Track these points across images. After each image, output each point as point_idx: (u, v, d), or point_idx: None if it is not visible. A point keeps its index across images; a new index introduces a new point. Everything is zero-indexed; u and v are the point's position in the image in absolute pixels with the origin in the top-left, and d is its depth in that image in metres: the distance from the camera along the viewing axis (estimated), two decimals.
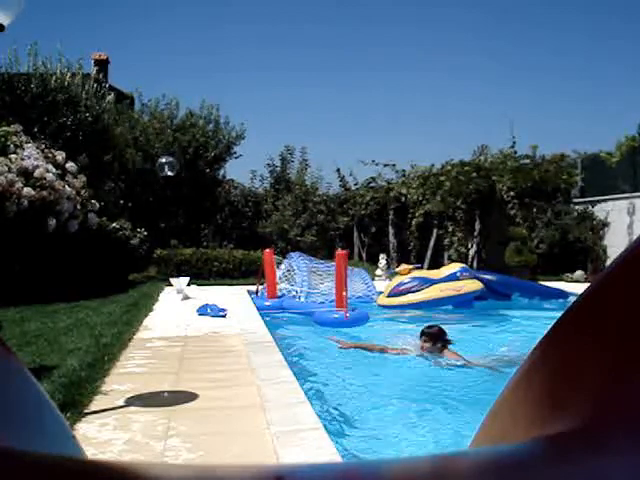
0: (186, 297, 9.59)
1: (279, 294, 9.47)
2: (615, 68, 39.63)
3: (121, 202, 14.29)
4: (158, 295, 10.06)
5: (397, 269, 10.38)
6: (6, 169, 8.47)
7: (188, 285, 10.32)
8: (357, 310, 7.87)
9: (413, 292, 9.30)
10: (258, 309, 8.50)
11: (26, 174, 8.80)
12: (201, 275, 13.18)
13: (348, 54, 40.17)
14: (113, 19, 38.14)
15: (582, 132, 33.16)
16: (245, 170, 25.19)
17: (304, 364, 5.54)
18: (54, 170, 9.34)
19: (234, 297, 9.89)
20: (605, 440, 0.41)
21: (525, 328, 7.34)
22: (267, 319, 7.67)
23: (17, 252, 8.66)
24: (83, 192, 10.22)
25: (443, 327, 5.79)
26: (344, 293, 7.56)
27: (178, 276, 10.74)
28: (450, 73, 39.09)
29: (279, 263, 9.95)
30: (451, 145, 36.16)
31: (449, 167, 15.47)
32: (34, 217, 8.75)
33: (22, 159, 8.93)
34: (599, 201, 14.98)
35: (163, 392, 4.07)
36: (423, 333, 5.59)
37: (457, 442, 3.31)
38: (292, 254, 10.11)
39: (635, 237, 0.49)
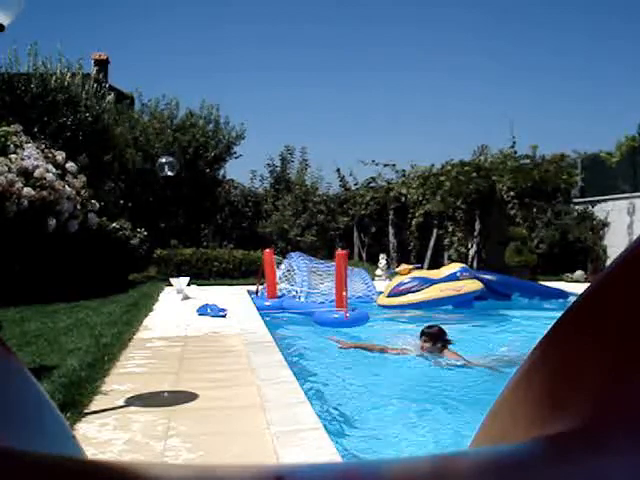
0: (186, 297, 9.59)
1: (279, 294, 9.48)
2: (615, 68, 39.65)
3: (121, 202, 14.29)
4: (158, 295, 10.06)
5: (397, 269, 10.38)
6: (6, 169, 8.47)
7: (188, 285, 10.32)
8: (357, 310, 7.88)
9: (413, 292, 9.30)
10: (258, 309, 8.50)
11: (26, 174, 8.81)
12: (201, 275, 13.18)
13: (348, 54, 40.21)
14: (113, 19, 38.18)
15: (582, 132, 33.19)
16: (245, 170, 25.21)
17: (304, 364, 5.54)
18: (54, 170, 9.34)
19: (234, 297, 9.89)
20: (605, 440, 0.41)
21: (525, 328, 7.34)
22: (267, 319, 7.68)
23: (17, 252, 8.66)
24: (83, 192, 10.23)
25: (443, 327, 5.79)
26: (344, 293, 7.56)
27: (178, 276, 10.74)
28: (450, 73, 39.13)
29: (279, 263, 9.96)
30: (451, 145, 36.19)
31: (449, 167, 15.47)
32: (34, 217, 8.75)
33: (22, 159, 8.94)
34: (599, 201, 14.98)
35: (163, 392, 4.07)
36: (423, 333, 5.59)
37: (457, 442, 3.31)
38: (292, 254, 10.11)
39: (635, 237, 0.49)
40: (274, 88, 39.21)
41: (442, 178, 15.22)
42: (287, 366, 4.73)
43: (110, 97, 13.78)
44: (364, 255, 17.04)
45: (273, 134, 35.20)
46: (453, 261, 12.87)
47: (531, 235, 14.56)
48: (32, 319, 7.02)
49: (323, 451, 2.84)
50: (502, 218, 14.70)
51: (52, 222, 9.01)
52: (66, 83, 12.15)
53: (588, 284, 0.50)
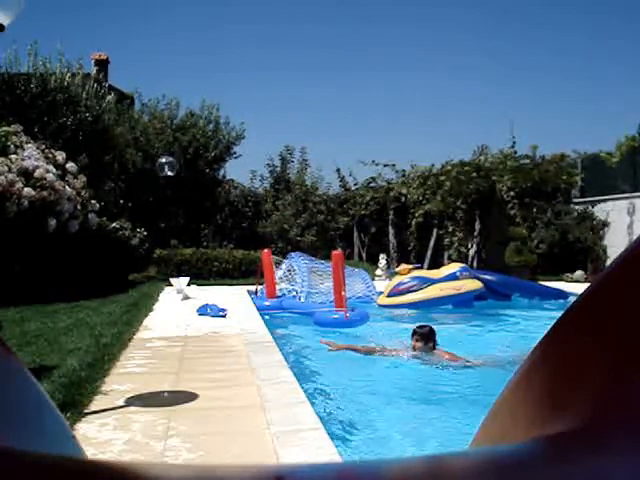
0: (186, 297, 9.59)
1: (279, 294, 9.48)
2: (615, 68, 39.64)
3: (121, 202, 14.29)
4: (158, 295, 10.06)
5: (397, 269, 10.39)
6: (6, 169, 8.47)
7: (188, 285, 10.32)
8: (357, 310, 7.87)
9: (413, 292, 9.30)
10: (258, 309, 8.51)
11: (26, 174, 8.81)
12: (201, 275, 13.18)
13: (348, 54, 40.20)
14: (113, 19, 38.19)
15: (582, 132, 33.19)
16: (245, 170, 25.21)
17: (304, 364, 5.54)
18: (54, 170, 9.35)
19: (234, 297, 9.89)
20: (605, 440, 0.41)
21: (525, 328, 7.34)
22: (267, 318, 7.68)
23: (17, 252, 8.66)
24: (83, 192, 10.23)
25: (434, 327, 5.80)
26: (343, 293, 7.55)
27: (178, 276, 10.74)
28: (450, 73, 39.12)
29: (279, 263, 9.96)
30: (451, 145, 36.22)
31: (449, 167, 15.47)
32: (34, 217, 8.75)
33: (22, 159, 8.94)
34: (599, 201, 14.98)
35: (163, 392, 4.07)
36: (415, 333, 5.60)
37: (454, 441, 3.31)
38: (292, 254, 10.11)
39: (635, 237, 0.49)
40: (274, 88, 39.24)
41: (442, 178, 15.22)
42: (287, 366, 4.73)
43: (110, 97, 13.78)
44: (364, 255, 17.04)
45: (273, 134, 35.24)
46: (453, 261, 12.87)
47: (531, 235, 14.56)
48: (32, 319, 7.02)
49: (323, 451, 2.84)
50: (502, 218, 14.70)
51: (52, 222, 9.02)
52: (66, 83, 12.15)
53: (588, 284, 0.50)
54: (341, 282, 7.57)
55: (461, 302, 9.27)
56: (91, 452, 2.86)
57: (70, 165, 10.14)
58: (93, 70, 17.00)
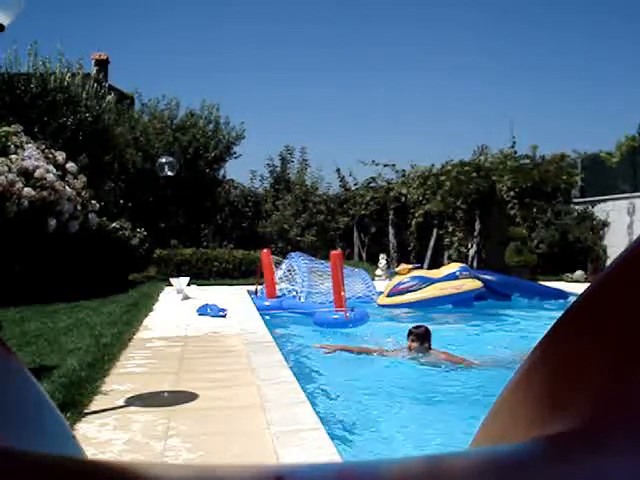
0: (186, 297, 9.59)
1: (279, 294, 9.48)
2: (615, 68, 39.63)
3: (121, 202, 14.29)
4: (158, 295, 10.06)
5: (397, 269, 10.39)
6: (6, 169, 8.47)
7: (188, 285, 10.32)
8: (356, 310, 7.86)
9: (413, 291, 9.30)
10: (258, 309, 8.50)
11: (26, 174, 8.81)
12: (201, 275, 13.18)
13: (348, 54, 40.17)
14: (113, 19, 38.17)
15: (582, 132, 33.18)
16: (245, 170, 25.19)
17: (304, 364, 5.54)
18: (54, 171, 9.35)
19: (234, 297, 9.89)
20: (605, 440, 0.41)
21: (525, 328, 7.34)
22: (267, 318, 7.68)
23: (17, 252, 8.66)
24: (83, 193, 10.23)
25: (429, 327, 5.80)
26: (342, 293, 7.54)
27: (178, 276, 10.74)
28: (450, 73, 39.10)
29: (279, 263, 9.96)
30: (451, 145, 36.20)
31: (449, 167, 15.47)
32: (34, 217, 8.75)
33: (22, 159, 8.94)
34: (599, 201, 14.98)
35: (163, 392, 4.07)
36: (411, 333, 5.59)
37: (454, 441, 3.31)
38: (292, 254, 10.11)
39: (635, 237, 0.49)
40: (274, 88, 39.22)
41: (442, 178, 15.22)
42: (287, 366, 4.73)
43: (110, 97, 13.78)
44: (364, 255, 17.04)
45: (273, 134, 35.23)
46: (453, 261, 12.87)
47: (531, 235, 14.56)
48: (32, 319, 7.02)
49: (323, 451, 2.84)
50: (502, 218, 14.70)
51: (52, 222, 9.02)
52: (66, 83, 12.15)
53: (588, 284, 0.50)
54: (340, 282, 7.56)
55: (461, 302, 9.27)
56: (91, 452, 2.86)
57: (70, 165, 10.14)
58: (93, 70, 17.00)
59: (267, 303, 9.14)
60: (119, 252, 11.61)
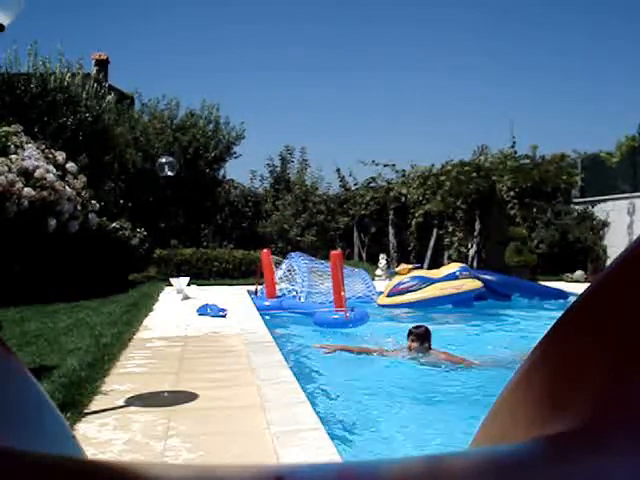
0: (186, 297, 9.59)
1: (279, 294, 9.48)
2: (615, 68, 39.65)
3: (121, 202, 14.29)
4: (158, 295, 10.06)
5: (397, 269, 10.39)
6: (6, 169, 8.47)
7: (188, 285, 10.32)
8: (356, 310, 7.86)
9: (413, 291, 9.30)
10: (258, 309, 8.50)
11: (26, 174, 8.81)
12: (201, 275, 13.18)
13: (348, 54, 40.17)
14: (113, 19, 38.17)
15: (582, 132, 33.18)
16: (245, 170, 25.19)
17: (304, 364, 5.54)
18: (54, 171, 9.35)
19: (234, 297, 9.89)
20: (605, 440, 0.41)
21: (525, 328, 7.34)
22: (267, 318, 7.68)
23: (17, 252, 8.66)
24: (84, 193, 10.23)
25: (430, 327, 5.79)
26: (342, 293, 7.54)
27: (178, 276, 10.74)
28: (450, 73, 39.10)
29: (279, 263, 9.96)
30: (451, 145, 36.20)
31: (449, 167, 15.47)
32: (34, 217, 8.75)
33: (22, 159, 8.94)
34: (599, 201, 14.98)
35: (163, 392, 4.07)
36: (411, 333, 5.59)
37: (454, 441, 3.31)
38: (292, 254, 10.11)
39: (635, 237, 0.49)
40: (274, 88, 39.22)
41: (442, 178, 15.22)
42: (287, 366, 4.73)
43: (110, 97, 13.78)
44: (364, 255, 17.04)
45: (273, 134, 35.23)
46: (453, 261, 12.87)
47: (531, 235, 14.56)
48: (32, 319, 7.02)
49: (323, 451, 2.84)
50: (502, 218, 14.70)
51: (52, 222, 9.02)
52: (66, 83, 12.15)
53: (588, 284, 0.50)
54: (340, 282, 7.56)
55: (461, 301, 9.27)
56: (91, 452, 2.86)
57: (70, 165, 10.14)
58: (93, 70, 17.00)
59: (267, 303, 9.14)
60: (119, 252, 11.61)
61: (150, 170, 14.29)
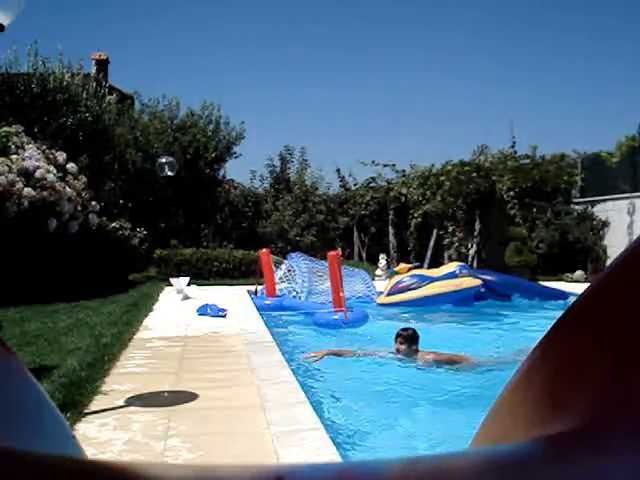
0: (186, 297, 9.59)
1: (279, 294, 9.48)
2: (615, 68, 39.65)
3: (121, 202, 14.29)
4: (158, 295, 10.06)
5: (396, 268, 10.39)
6: (7, 169, 8.47)
7: (188, 285, 10.32)
8: (356, 310, 7.86)
9: (412, 289, 9.30)
10: (258, 309, 8.50)
11: (27, 175, 8.81)
12: (201, 275, 13.18)
13: (348, 54, 40.18)
14: (113, 19, 38.18)
15: (582, 132, 33.18)
16: (245, 170, 25.18)
17: (304, 364, 5.54)
18: (55, 171, 9.35)
19: (234, 297, 9.89)
20: (605, 440, 0.41)
21: (525, 328, 7.34)
22: (267, 319, 7.67)
23: (17, 252, 8.66)
24: (84, 193, 10.23)
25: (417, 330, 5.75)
26: (341, 294, 7.54)
27: (178, 276, 10.74)
28: (450, 73, 39.11)
29: (279, 263, 9.96)
30: (451, 145, 36.18)
31: (449, 167, 15.47)
32: (35, 218, 8.75)
33: (23, 160, 8.94)
34: (599, 201, 14.98)
35: (163, 392, 4.07)
36: (399, 335, 5.54)
37: (454, 441, 3.31)
38: (292, 254, 10.11)
39: (635, 237, 0.49)
40: (274, 88, 39.23)
41: (442, 178, 15.22)
42: (287, 366, 4.72)
43: (110, 97, 13.79)
44: (364, 255, 17.04)
45: (273, 134, 35.26)
46: (453, 261, 12.87)
47: (531, 235, 14.56)
48: (32, 319, 7.02)
49: (323, 451, 2.84)
50: (502, 218, 14.70)
51: (53, 223, 9.02)
52: (66, 83, 12.16)
53: (588, 284, 0.50)
54: (339, 283, 7.56)
55: (461, 300, 9.27)
56: (91, 452, 2.86)
57: (70, 166, 10.14)
58: (93, 70, 17.00)
59: (267, 302, 9.15)
60: (119, 252, 11.60)
61: (150, 170, 14.29)
